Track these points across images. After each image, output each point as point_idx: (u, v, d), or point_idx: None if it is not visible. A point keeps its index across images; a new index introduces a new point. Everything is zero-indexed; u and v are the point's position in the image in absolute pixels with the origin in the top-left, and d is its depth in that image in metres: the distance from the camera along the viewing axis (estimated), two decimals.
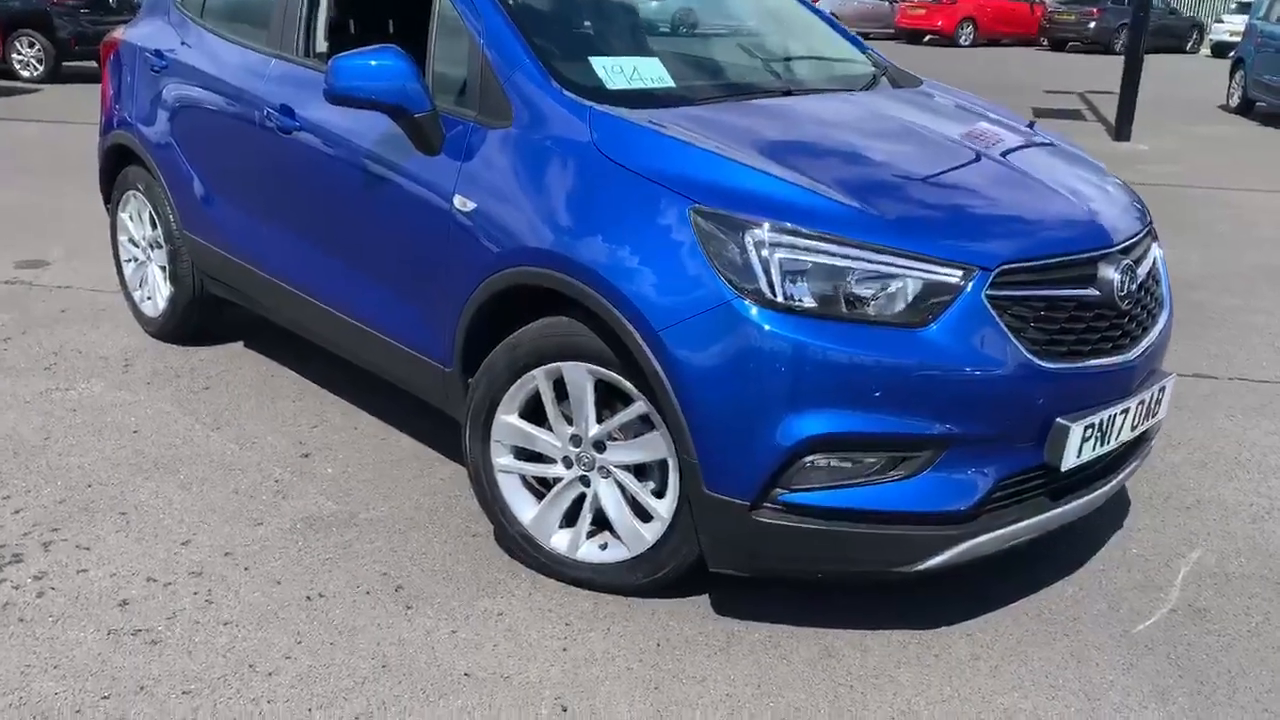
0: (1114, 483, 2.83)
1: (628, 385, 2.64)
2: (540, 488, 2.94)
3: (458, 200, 2.91)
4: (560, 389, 2.78)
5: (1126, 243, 2.74)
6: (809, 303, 2.39)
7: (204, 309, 4.42)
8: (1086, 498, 2.75)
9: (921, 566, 2.53)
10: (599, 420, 2.74)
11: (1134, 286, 2.69)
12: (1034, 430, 2.53)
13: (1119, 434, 2.69)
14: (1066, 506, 2.69)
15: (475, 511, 3.22)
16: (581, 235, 2.61)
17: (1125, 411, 2.67)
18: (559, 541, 2.89)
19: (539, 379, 2.77)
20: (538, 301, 2.82)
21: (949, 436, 2.44)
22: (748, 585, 2.79)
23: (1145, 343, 2.75)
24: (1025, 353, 2.46)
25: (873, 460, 2.45)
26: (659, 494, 2.74)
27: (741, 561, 2.62)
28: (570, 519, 2.90)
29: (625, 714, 2.43)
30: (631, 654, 2.64)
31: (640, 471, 2.76)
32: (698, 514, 2.56)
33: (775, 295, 2.38)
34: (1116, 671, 2.63)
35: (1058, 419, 2.53)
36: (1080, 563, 3.10)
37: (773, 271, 2.39)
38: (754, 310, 2.38)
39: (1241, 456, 3.85)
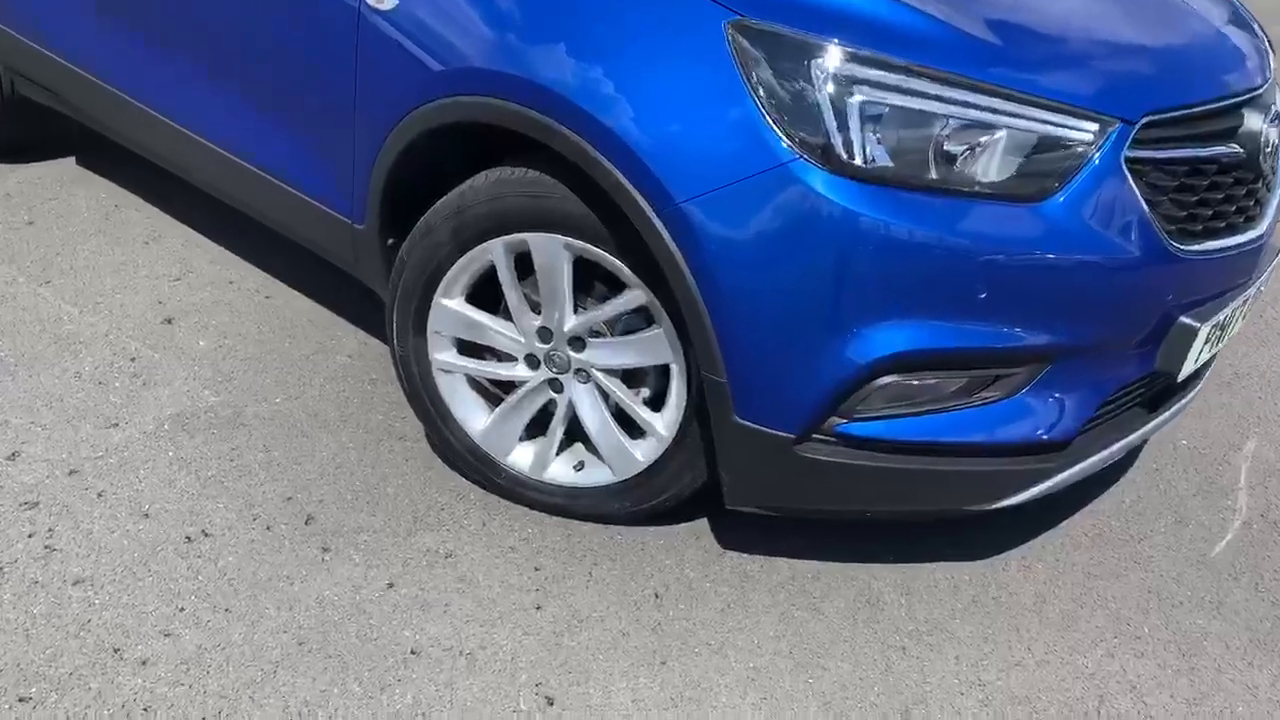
0: (1204, 381, 2.32)
1: (621, 267, 1.94)
2: (496, 391, 2.26)
3: None
4: (523, 266, 2.06)
5: (1264, 87, 2.11)
6: (899, 166, 1.71)
7: (17, 117, 3.44)
8: (1181, 402, 2.22)
9: (1002, 504, 1.99)
10: (577, 310, 2.05)
11: (1277, 140, 2.08)
12: (1152, 333, 1.96)
13: (1234, 329, 2.15)
14: (1161, 416, 2.17)
15: (399, 402, 2.53)
16: (565, 56, 1.83)
17: (1245, 301, 2.11)
18: (520, 458, 2.24)
19: (495, 253, 2.04)
20: (493, 143, 2.06)
21: (1057, 347, 1.85)
22: None
23: (1271, 213, 2.17)
24: (1159, 233, 1.85)
25: (960, 381, 1.85)
26: (655, 405, 2.10)
27: (772, 501, 2.02)
28: (533, 430, 2.24)
29: (628, 703, 1.87)
30: (624, 612, 2.06)
31: (631, 376, 2.11)
32: (721, 445, 1.94)
33: (853, 155, 1.69)
34: (1206, 614, 2.18)
35: (1181, 318, 1.96)
36: (1127, 461, 2.63)
37: (850, 119, 1.68)
38: (821, 177, 1.69)
39: (1268, 315, 3.41)
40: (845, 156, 1.69)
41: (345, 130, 2.21)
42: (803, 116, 1.69)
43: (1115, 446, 2.06)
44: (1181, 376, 2.02)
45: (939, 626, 2.09)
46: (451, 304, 2.13)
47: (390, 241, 2.30)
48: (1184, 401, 2.23)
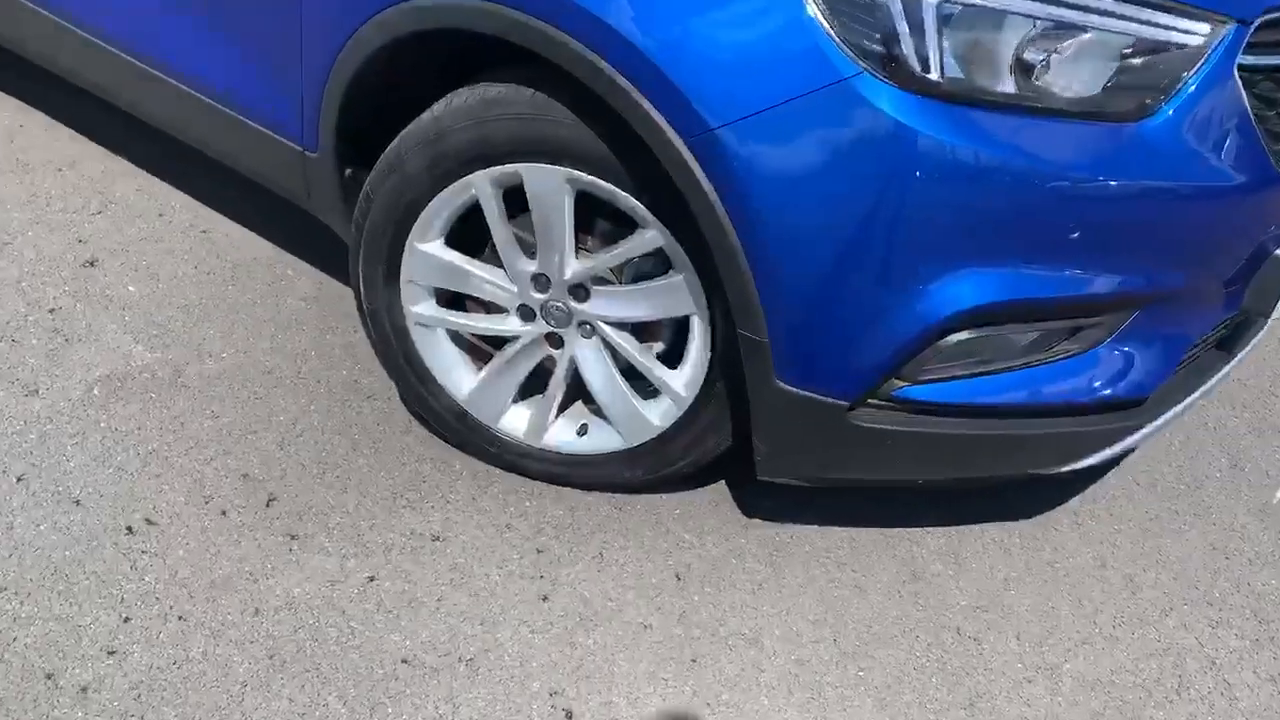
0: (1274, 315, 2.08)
1: (635, 204, 1.63)
2: (484, 347, 1.95)
3: None
4: (514, 203, 1.74)
5: None
6: (976, 80, 1.40)
7: None
8: (1255, 339, 1.98)
9: (1077, 465, 1.75)
10: (579, 254, 1.74)
11: None
12: (1243, 269, 1.70)
13: None
14: (1239, 356, 1.93)
15: (367, 355, 2.22)
16: None
17: None
18: (514, 422, 1.95)
19: (480, 188, 1.72)
20: (475, 57, 1.72)
21: (1148, 291, 1.59)
22: None
23: None
24: (1267, 153, 1.58)
25: (1036, 335, 1.58)
26: (670, 360, 1.81)
27: (815, 473, 1.76)
28: (528, 390, 1.94)
29: (657, 711, 1.63)
30: (643, 600, 1.80)
31: (642, 329, 1.81)
32: (758, 412, 1.66)
33: (927, 67, 1.38)
34: (1278, 572, 1.98)
35: (1276, 251, 1.71)
36: None
37: (927, 26, 1.37)
38: (888, 94, 1.38)
39: None
40: (917, 69, 1.38)
41: (290, 39, 1.84)
42: (867, 21, 1.38)
43: (1196, 394, 1.81)
44: (1274, 317, 1.78)
45: (994, 600, 1.86)
46: (428, 248, 1.80)
47: (349, 172, 1.96)
48: (1257, 338, 1.99)
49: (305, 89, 1.88)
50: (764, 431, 1.67)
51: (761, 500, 1.99)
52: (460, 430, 1.98)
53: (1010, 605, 1.86)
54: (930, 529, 1.98)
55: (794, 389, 1.58)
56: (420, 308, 1.87)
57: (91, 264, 2.44)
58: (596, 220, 1.78)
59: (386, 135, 1.85)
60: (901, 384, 1.57)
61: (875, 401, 1.59)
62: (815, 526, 1.96)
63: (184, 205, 2.68)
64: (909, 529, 1.98)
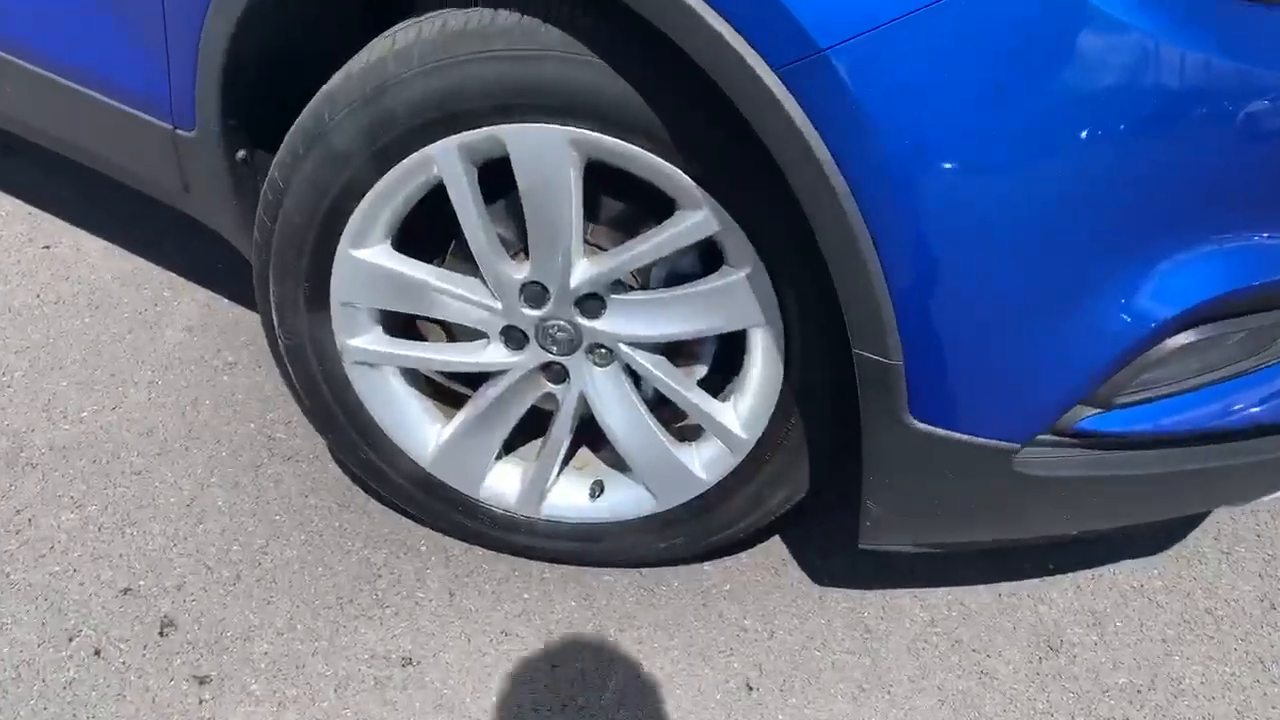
0: None
1: (675, 175, 1.12)
2: (454, 386, 1.42)
3: None
4: (494, 182, 1.21)
5: None
6: None
7: None
8: None
9: (1274, 495, 1.30)
10: (587, 249, 1.23)
11: None
12: None
13: None
14: None
15: (279, 395, 1.67)
16: None
17: None
18: (500, 487, 1.42)
19: (444, 163, 1.17)
20: None
21: None
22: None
23: None
24: None
25: (1244, 333, 1.12)
26: (711, 389, 1.32)
27: (942, 537, 1.28)
28: (514, 438, 1.42)
29: None
30: None
31: (674, 349, 1.31)
32: (876, 459, 1.16)
33: None
34: None
35: None
36: None
37: None
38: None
39: None
40: None
41: None
42: None
43: None
44: None
45: (1157, 672, 1.42)
46: (368, 255, 1.26)
47: (241, 155, 1.40)
48: None
49: (170, 42, 1.31)
50: (882, 487, 1.17)
51: (829, 557, 1.51)
52: (425, 502, 1.44)
53: (1177, 676, 1.41)
54: (1050, 578, 1.52)
55: (936, 429, 1.09)
56: (361, 340, 1.32)
57: None
58: (602, 201, 1.27)
59: (294, 102, 1.31)
60: (1090, 412, 1.09)
61: (1051, 438, 1.11)
62: (908, 590, 1.48)
63: (14, 213, 2.06)
64: (1025, 580, 1.52)
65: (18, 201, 2.09)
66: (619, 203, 1.27)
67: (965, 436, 1.08)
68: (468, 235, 1.23)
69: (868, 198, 0.98)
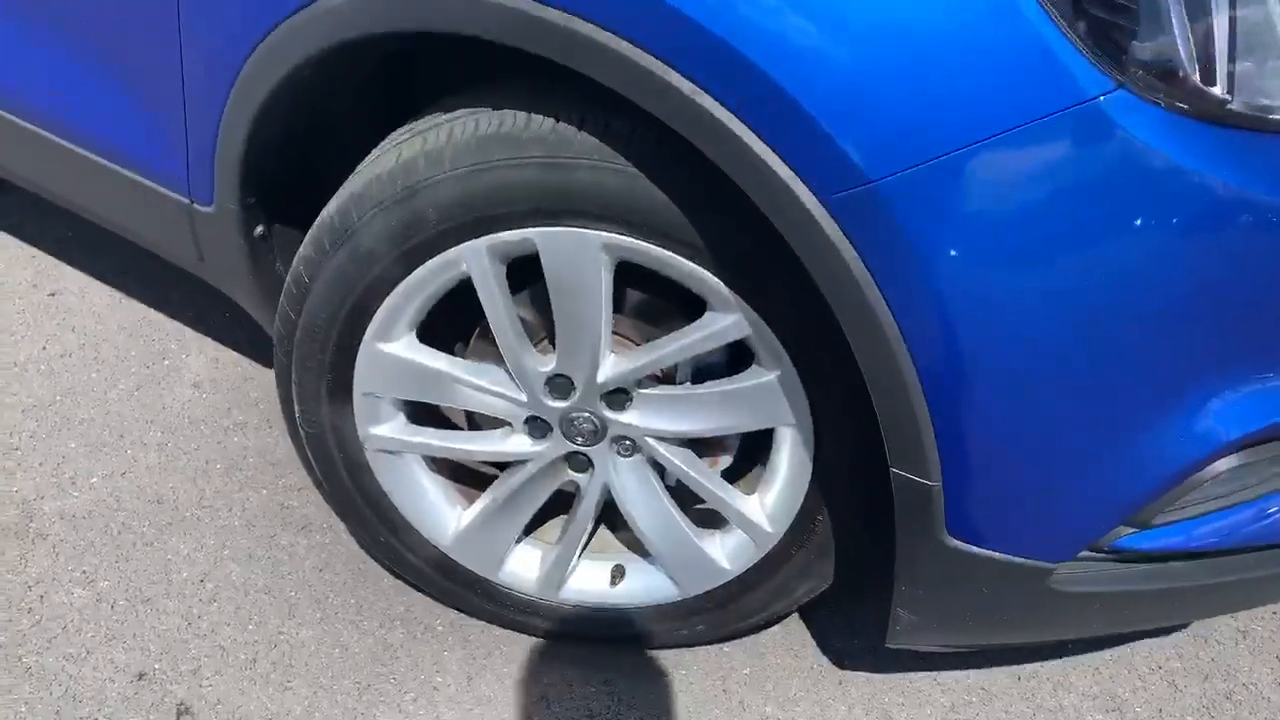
0: None
1: (709, 280, 1.11)
2: (475, 466, 1.40)
3: None
4: (520, 270, 1.20)
5: None
6: None
7: None
8: None
9: None
10: (619, 341, 1.22)
11: None
12: None
13: None
14: None
15: (288, 457, 1.66)
16: None
17: None
18: (520, 570, 1.41)
19: (474, 263, 1.16)
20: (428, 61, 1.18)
21: None
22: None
23: None
24: None
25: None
26: (734, 475, 1.31)
27: (972, 640, 1.27)
28: (532, 524, 1.41)
29: None
30: None
31: (701, 441, 1.29)
32: (910, 571, 1.15)
33: (1212, 78, 0.88)
34: None
35: None
36: None
37: (1214, 23, 0.87)
38: (1159, 119, 0.88)
39: None
40: (1198, 81, 0.88)
41: (165, 53, 1.24)
42: (1124, 9, 0.87)
43: None
44: None
45: None
46: (393, 349, 1.24)
47: (259, 231, 1.38)
48: None
49: (190, 126, 1.29)
50: (914, 597, 1.17)
51: (851, 638, 1.50)
52: (444, 584, 1.43)
53: None
54: (1069, 659, 1.52)
55: (973, 547, 1.08)
56: (383, 429, 1.30)
57: None
58: (629, 292, 1.26)
59: (311, 181, 1.30)
60: (1128, 531, 1.08)
61: (1088, 554, 1.10)
62: (929, 674, 1.47)
63: (17, 257, 2.03)
64: (1044, 662, 1.51)
65: (20, 244, 2.06)
66: (646, 294, 1.26)
67: (1002, 555, 1.08)
68: (494, 330, 1.21)
69: (910, 323, 0.97)
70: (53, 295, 1.96)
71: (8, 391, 1.74)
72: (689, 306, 1.20)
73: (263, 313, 1.48)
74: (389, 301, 1.20)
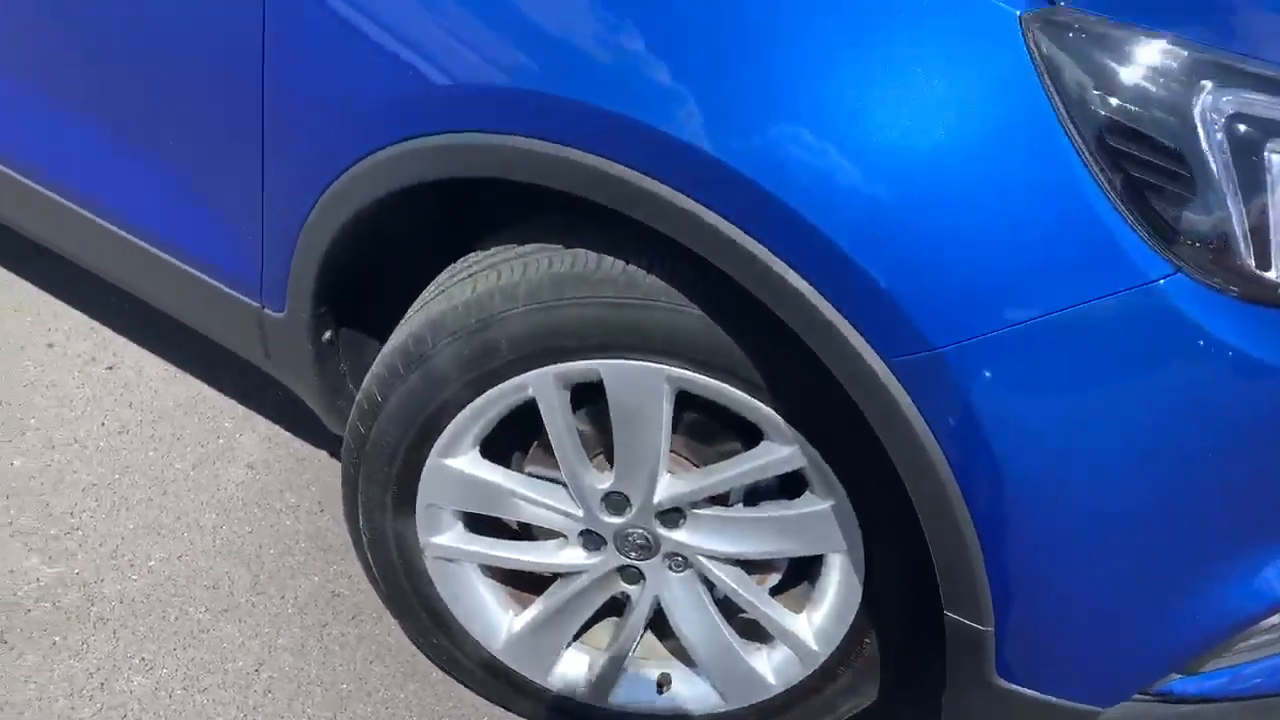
0: None
1: (765, 413, 1.15)
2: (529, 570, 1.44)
3: None
4: (579, 392, 1.24)
5: None
6: None
7: None
8: None
9: None
10: (675, 459, 1.26)
11: None
12: None
13: None
14: None
15: (339, 544, 1.70)
16: (714, 89, 0.98)
17: None
18: (570, 674, 1.45)
19: (540, 389, 1.21)
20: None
21: None
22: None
23: None
24: None
25: None
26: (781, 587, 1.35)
27: None
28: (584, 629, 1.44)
29: None
30: None
31: (751, 561, 1.33)
32: (958, 710, 1.18)
33: (1267, 266, 0.92)
34: None
35: None
36: None
37: (1270, 207, 0.92)
38: (1215, 305, 0.93)
39: None
40: (1254, 266, 0.92)
41: (247, 177, 1.30)
42: (1180, 197, 0.91)
43: None
44: None
45: None
46: (458, 464, 1.29)
47: (327, 336, 1.43)
48: None
49: (267, 239, 1.35)
50: None
51: None
52: (493, 686, 1.47)
53: None
54: None
55: (1022, 689, 1.11)
56: (443, 538, 1.35)
57: None
58: (682, 413, 1.30)
59: (379, 289, 1.35)
60: (1175, 677, 1.12)
61: (1136, 697, 1.13)
62: None
63: (76, 328, 2.08)
64: None
65: (78, 314, 2.11)
66: (701, 415, 1.30)
67: (1052, 699, 1.11)
68: (556, 449, 1.26)
69: (969, 480, 1.01)
70: (110, 369, 2.01)
71: (69, 469, 1.79)
72: (744, 428, 1.24)
73: (322, 405, 1.54)
74: (456, 421, 1.24)
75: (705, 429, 1.30)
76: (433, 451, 1.27)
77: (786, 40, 0.94)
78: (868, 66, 0.94)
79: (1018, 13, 0.91)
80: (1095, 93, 0.90)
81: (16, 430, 1.85)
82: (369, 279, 1.40)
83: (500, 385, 1.21)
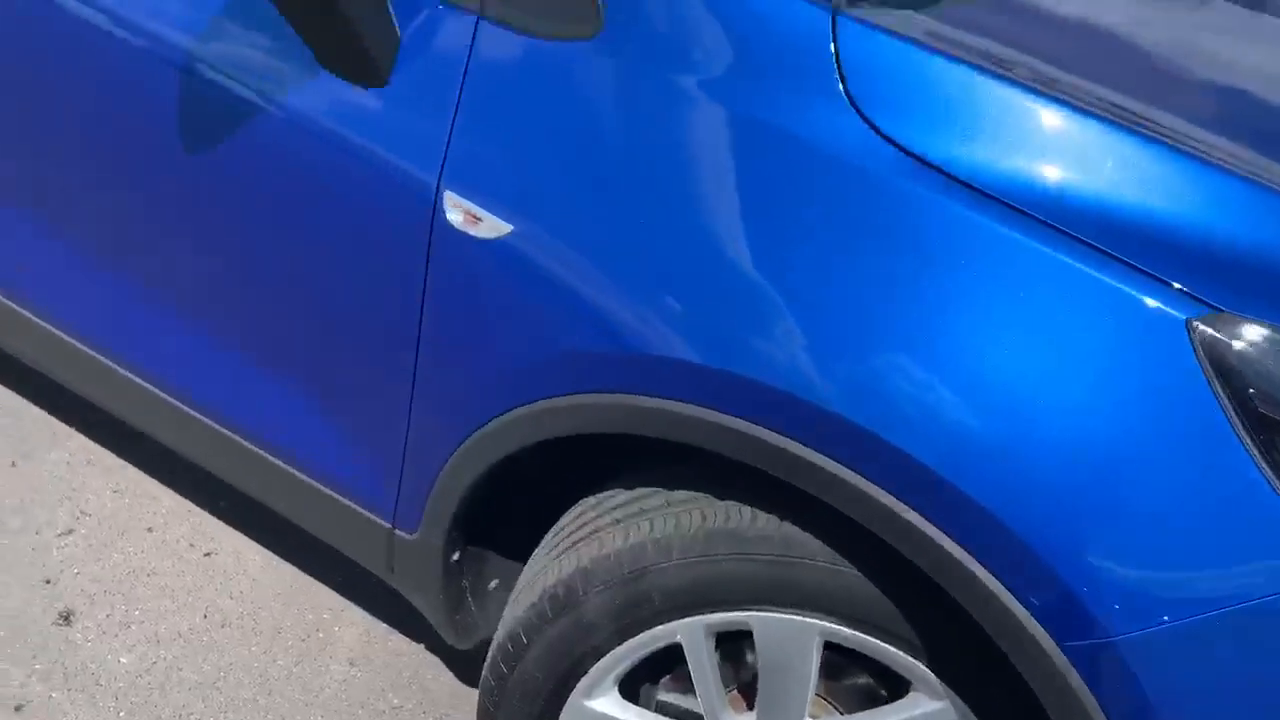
0: None
1: (914, 666, 1.16)
2: None
3: (450, 205, 1.22)
4: (727, 648, 1.26)
5: None
6: None
7: None
8: None
9: None
10: (817, 704, 1.27)
11: None
12: None
13: None
14: None
15: None
16: (849, 355, 1.03)
17: None
18: None
19: (689, 638, 1.23)
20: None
21: None
22: None
23: None
24: None
25: None
26: None
27: None
28: None
29: None
30: None
31: None
32: None
33: None
34: None
35: None
36: None
37: None
38: None
39: None
40: None
41: (394, 414, 1.35)
42: None
43: None
44: None
45: None
46: (600, 705, 1.30)
47: (455, 557, 1.45)
48: None
49: (408, 470, 1.38)
50: None
51: None
52: None
53: None
54: None
55: None
56: None
57: (66, 619, 1.86)
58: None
59: (509, 514, 1.38)
60: None
61: None
62: None
63: (174, 511, 2.11)
64: None
65: (177, 497, 2.14)
66: (837, 654, 1.31)
67: None
68: (698, 689, 1.27)
69: None
70: (208, 555, 2.03)
71: (175, 667, 1.80)
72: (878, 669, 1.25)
73: (441, 620, 1.55)
74: (600, 664, 1.26)
75: (839, 667, 1.31)
76: (574, 693, 1.28)
77: (962, 347, 0.99)
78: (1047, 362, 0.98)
79: (1187, 319, 0.96)
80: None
81: (121, 623, 1.87)
82: (500, 505, 1.43)
83: (649, 631, 1.23)
